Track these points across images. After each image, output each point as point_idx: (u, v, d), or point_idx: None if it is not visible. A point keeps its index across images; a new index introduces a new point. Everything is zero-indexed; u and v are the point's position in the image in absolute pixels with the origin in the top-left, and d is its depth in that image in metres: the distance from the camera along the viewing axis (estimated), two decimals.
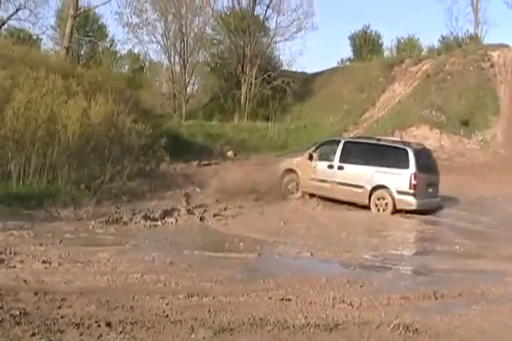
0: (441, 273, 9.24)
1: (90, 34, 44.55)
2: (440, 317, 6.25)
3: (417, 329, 5.75)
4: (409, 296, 7.11)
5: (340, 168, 16.72)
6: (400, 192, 15.62)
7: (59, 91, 16.56)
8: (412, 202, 15.59)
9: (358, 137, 17.46)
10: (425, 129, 34.59)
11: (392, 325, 5.78)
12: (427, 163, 16.36)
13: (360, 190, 16.12)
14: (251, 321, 5.78)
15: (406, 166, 15.58)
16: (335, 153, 16.98)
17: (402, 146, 16.22)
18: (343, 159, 16.77)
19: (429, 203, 16.19)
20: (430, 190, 16.23)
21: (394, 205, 15.64)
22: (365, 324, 5.87)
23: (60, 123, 15.20)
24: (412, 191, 15.57)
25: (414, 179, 15.55)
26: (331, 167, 16.93)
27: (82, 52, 46.15)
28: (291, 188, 17.88)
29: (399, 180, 15.63)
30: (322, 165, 17.22)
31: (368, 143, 17.16)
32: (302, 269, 8.65)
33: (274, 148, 34.20)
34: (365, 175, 16.19)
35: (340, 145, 17.04)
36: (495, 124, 34.67)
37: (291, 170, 18.04)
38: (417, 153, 15.91)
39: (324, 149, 17.82)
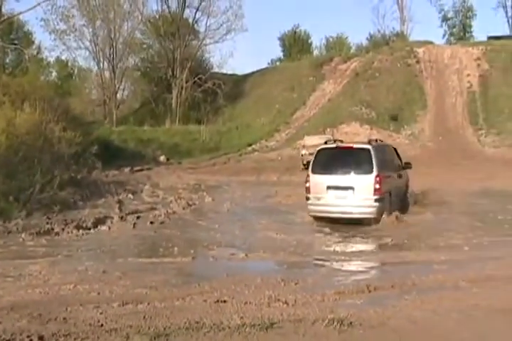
0: (374, 266, 9.44)
1: (15, 42, 43.84)
2: (374, 309, 6.34)
3: (351, 323, 5.82)
4: (343, 291, 7.18)
5: None
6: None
7: None
8: (308, 207, 13.54)
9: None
10: (356, 126, 35.38)
11: (326, 320, 5.83)
12: (337, 161, 13.49)
13: None
14: (187, 325, 5.75)
15: None
16: None
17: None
18: None
19: (339, 211, 12.99)
20: (344, 193, 13.00)
21: None
22: (300, 321, 5.91)
23: None
24: (308, 195, 13.40)
25: (307, 181, 13.37)
26: None
27: (7, 61, 45.21)
28: None
29: None
30: None
31: None
32: (237, 270, 8.64)
33: (206, 150, 34.42)
34: None
35: None
36: (422, 119, 35.83)
37: None
38: (321, 151, 13.71)
39: None
